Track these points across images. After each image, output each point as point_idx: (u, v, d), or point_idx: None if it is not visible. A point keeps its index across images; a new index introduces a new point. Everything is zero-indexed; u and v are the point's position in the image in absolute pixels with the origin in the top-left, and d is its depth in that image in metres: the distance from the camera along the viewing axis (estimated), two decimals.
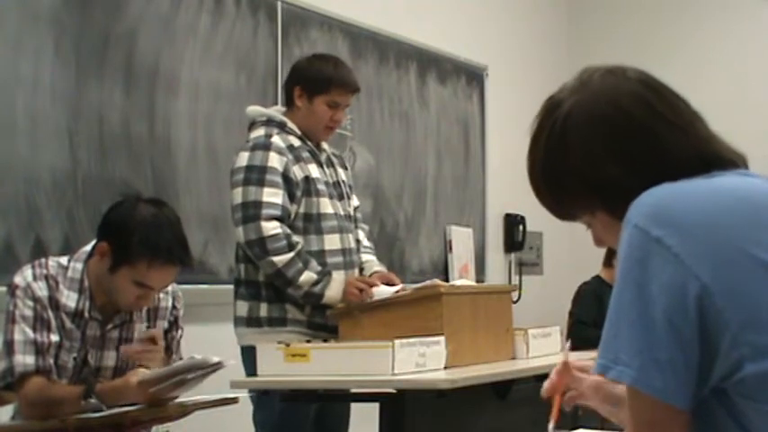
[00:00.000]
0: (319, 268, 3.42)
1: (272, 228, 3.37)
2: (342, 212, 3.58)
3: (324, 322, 3.47)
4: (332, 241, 3.52)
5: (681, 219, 1.28)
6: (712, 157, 1.39)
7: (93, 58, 3.83)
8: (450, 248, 5.83)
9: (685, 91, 1.45)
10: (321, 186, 3.51)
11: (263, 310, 3.46)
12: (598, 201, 1.42)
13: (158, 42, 4.10)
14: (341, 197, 3.61)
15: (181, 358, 2.78)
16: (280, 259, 3.37)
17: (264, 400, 3.37)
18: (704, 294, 1.24)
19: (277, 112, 3.60)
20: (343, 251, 3.54)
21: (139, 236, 2.61)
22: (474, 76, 6.20)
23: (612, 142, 1.39)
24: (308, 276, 3.38)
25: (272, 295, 3.45)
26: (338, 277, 3.44)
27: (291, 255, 3.37)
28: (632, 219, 1.31)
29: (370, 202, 5.23)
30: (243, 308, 3.49)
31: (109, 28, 3.90)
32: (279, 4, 4.68)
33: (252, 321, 3.47)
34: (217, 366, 2.59)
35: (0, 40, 3.53)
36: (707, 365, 1.25)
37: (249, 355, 3.29)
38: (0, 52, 3.52)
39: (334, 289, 3.40)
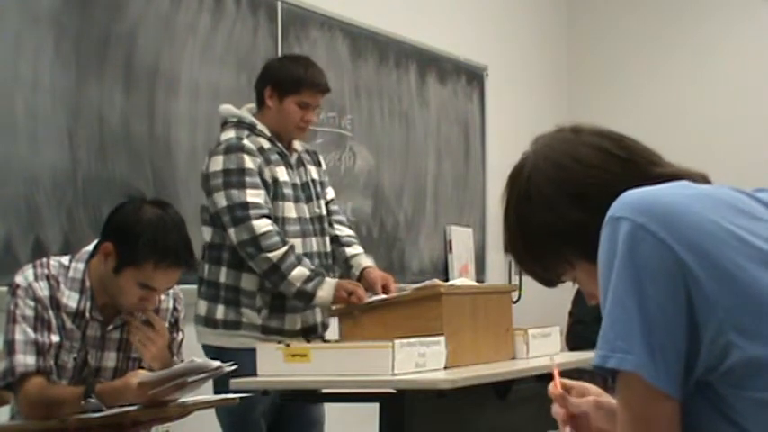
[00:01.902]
0: (312, 267, 3.43)
1: (263, 225, 3.39)
2: (307, 215, 3.59)
3: (280, 326, 3.49)
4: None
5: (660, 208, 1.29)
6: (671, 178, 1.41)
7: (93, 58, 3.83)
8: (450, 248, 5.83)
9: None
10: (287, 190, 3.53)
11: (220, 312, 3.50)
12: (572, 250, 1.46)
13: (158, 42, 4.10)
14: (309, 199, 3.62)
15: (182, 360, 2.78)
16: (275, 254, 3.38)
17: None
18: (691, 279, 1.25)
19: (248, 112, 3.62)
20: (305, 255, 3.51)
21: (146, 238, 2.61)
22: (474, 76, 6.20)
23: (571, 188, 1.45)
24: (300, 271, 3.39)
25: (230, 298, 3.49)
26: (331, 280, 3.45)
27: (285, 249, 3.39)
28: (614, 213, 1.32)
29: (370, 202, 5.23)
30: (202, 307, 3.54)
31: (109, 28, 3.90)
32: (279, 4, 4.68)
33: (209, 322, 3.52)
34: (217, 371, 2.60)
35: (0, 40, 3.53)
36: (693, 353, 1.26)
37: (208, 354, 3.33)
38: (0, 52, 3.52)
39: (326, 290, 3.41)
